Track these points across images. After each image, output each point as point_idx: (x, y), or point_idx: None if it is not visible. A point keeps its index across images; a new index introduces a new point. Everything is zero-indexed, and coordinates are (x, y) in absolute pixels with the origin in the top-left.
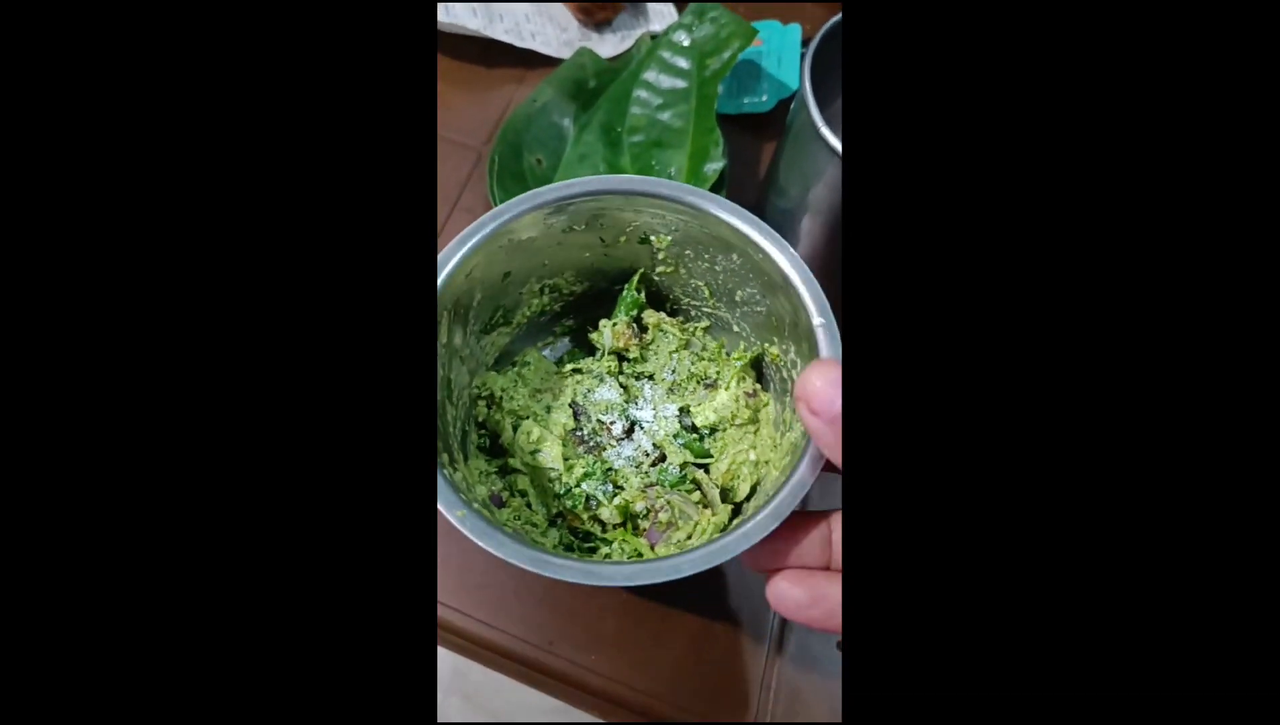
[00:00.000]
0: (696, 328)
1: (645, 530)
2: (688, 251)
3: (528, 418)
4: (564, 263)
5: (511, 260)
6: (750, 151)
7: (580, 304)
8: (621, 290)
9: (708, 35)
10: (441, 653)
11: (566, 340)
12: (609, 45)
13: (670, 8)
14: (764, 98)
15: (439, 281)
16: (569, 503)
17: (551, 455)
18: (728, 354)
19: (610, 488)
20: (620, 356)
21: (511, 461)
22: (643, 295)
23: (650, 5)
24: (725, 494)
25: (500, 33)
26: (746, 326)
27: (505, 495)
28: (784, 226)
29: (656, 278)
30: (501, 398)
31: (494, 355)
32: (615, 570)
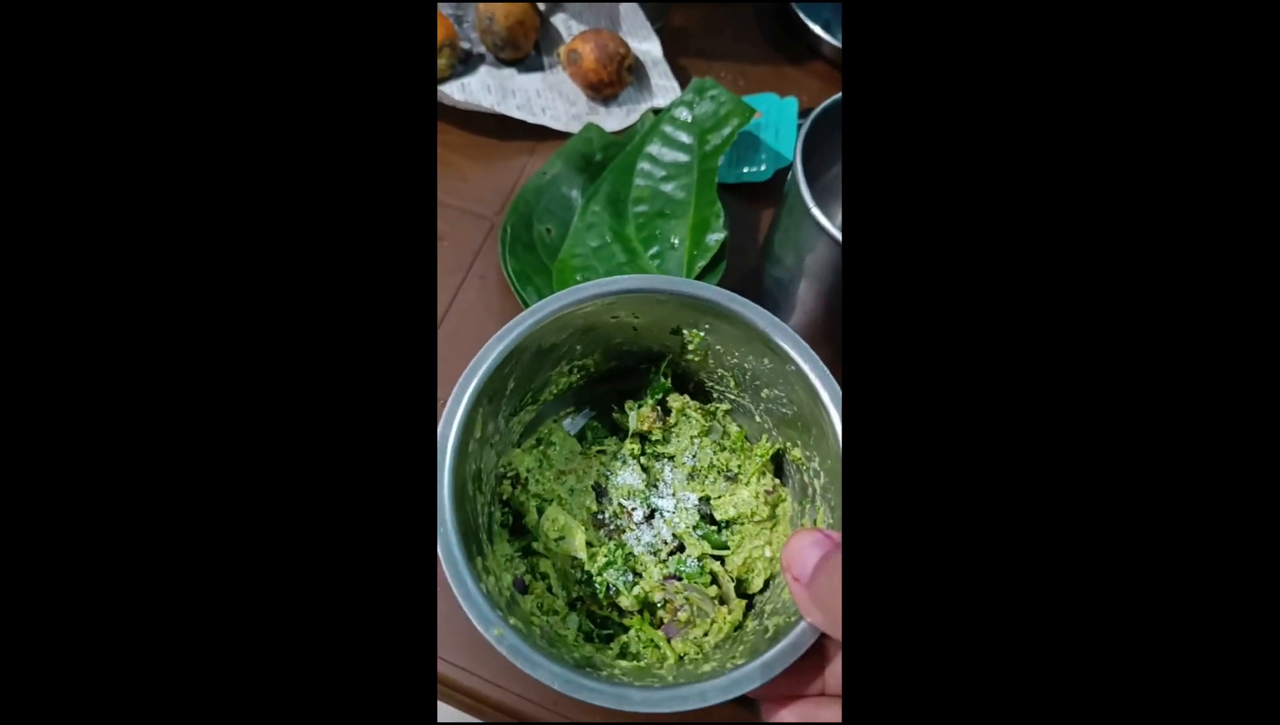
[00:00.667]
0: (719, 408)
1: (663, 623)
2: (718, 346)
3: (552, 501)
4: (595, 345)
5: (540, 346)
6: (750, 219)
7: (603, 377)
8: (647, 369)
9: (708, 112)
10: (443, 709)
11: (586, 410)
12: (614, 119)
13: (674, 84)
14: (762, 167)
15: (480, 376)
16: (590, 591)
17: (576, 543)
18: (749, 442)
19: (630, 576)
20: (642, 437)
21: (535, 545)
22: (669, 380)
23: (655, 82)
24: (739, 585)
25: (512, 109)
26: (769, 421)
27: (528, 579)
28: (779, 294)
29: (683, 363)
30: (527, 479)
31: (519, 432)
32: (645, 696)
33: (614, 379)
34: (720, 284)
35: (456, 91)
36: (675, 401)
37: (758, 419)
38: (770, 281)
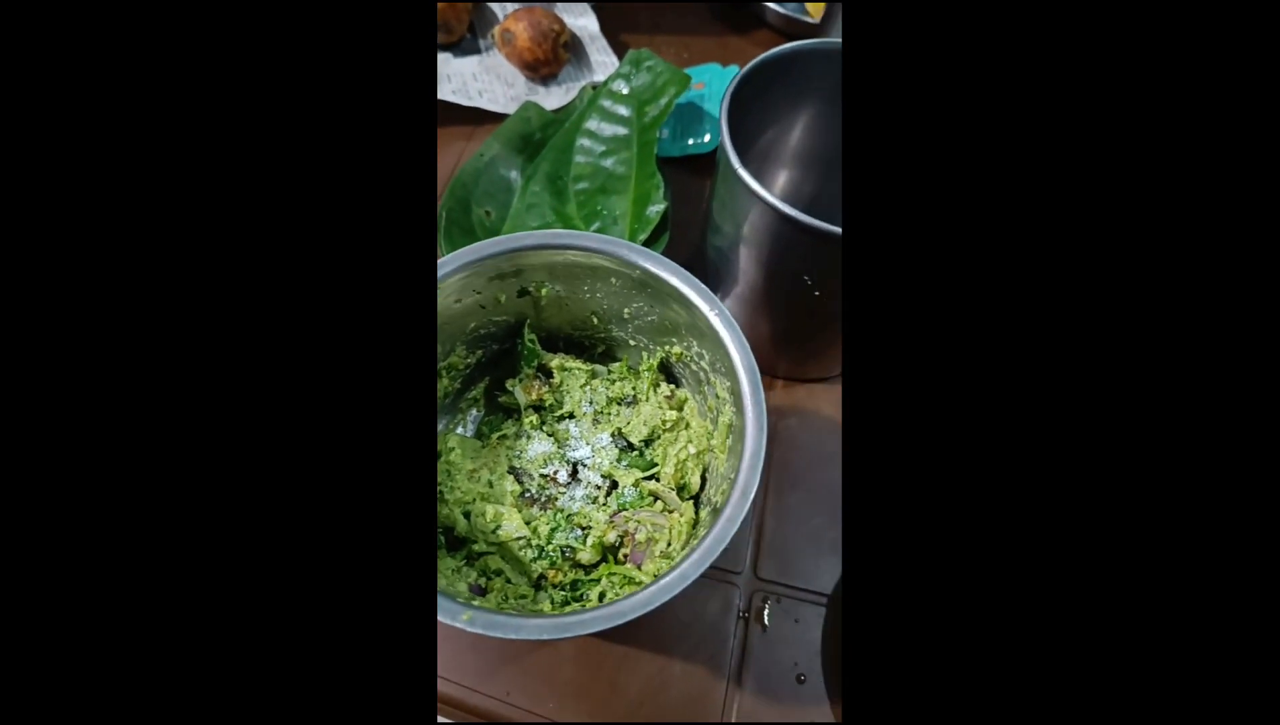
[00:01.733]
0: (594, 349)
1: (628, 555)
2: (565, 292)
3: (474, 500)
4: (450, 339)
5: None
6: (695, 191)
7: (477, 374)
8: (514, 346)
9: (645, 84)
10: None
11: (474, 412)
12: (554, 98)
13: (613, 59)
14: (706, 138)
15: None
16: (547, 562)
17: (514, 526)
18: (634, 368)
19: (579, 532)
20: (537, 408)
21: (476, 547)
22: (536, 344)
23: (594, 58)
24: (681, 491)
25: (448, 93)
26: (643, 337)
27: (483, 582)
28: (721, 264)
29: (543, 324)
30: (441, 492)
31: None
32: (633, 602)
33: (487, 369)
34: (666, 255)
35: None
36: (552, 361)
37: (632, 342)
38: (712, 251)
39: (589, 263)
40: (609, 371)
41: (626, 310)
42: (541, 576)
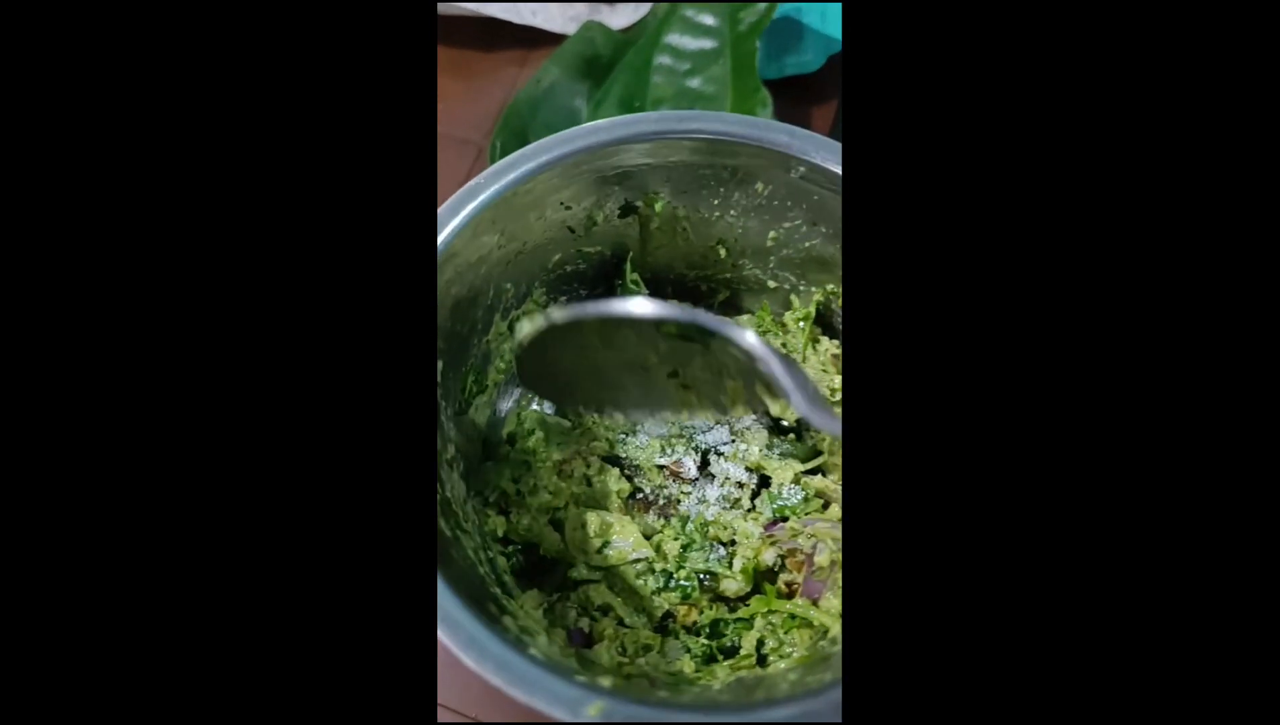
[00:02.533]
0: (716, 298)
1: (798, 586)
2: (685, 209)
3: (566, 505)
4: (528, 275)
5: (458, 296)
6: (800, 120)
7: None
8: (608, 286)
9: None
10: None
11: None
12: (621, 16)
13: None
14: (809, 56)
15: None
16: (677, 595)
17: (629, 542)
18: (778, 318)
19: (721, 550)
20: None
21: (573, 573)
22: (640, 285)
23: None
24: None
25: (496, 10)
26: (789, 275)
27: (586, 623)
28: None
29: (647, 260)
30: (519, 494)
31: (480, 439)
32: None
33: None
34: None
35: None
36: None
37: (773, 284)
38: None
39: (727, 160)
40: (750, 317)
41: (772, 233)
42: (669, 615)
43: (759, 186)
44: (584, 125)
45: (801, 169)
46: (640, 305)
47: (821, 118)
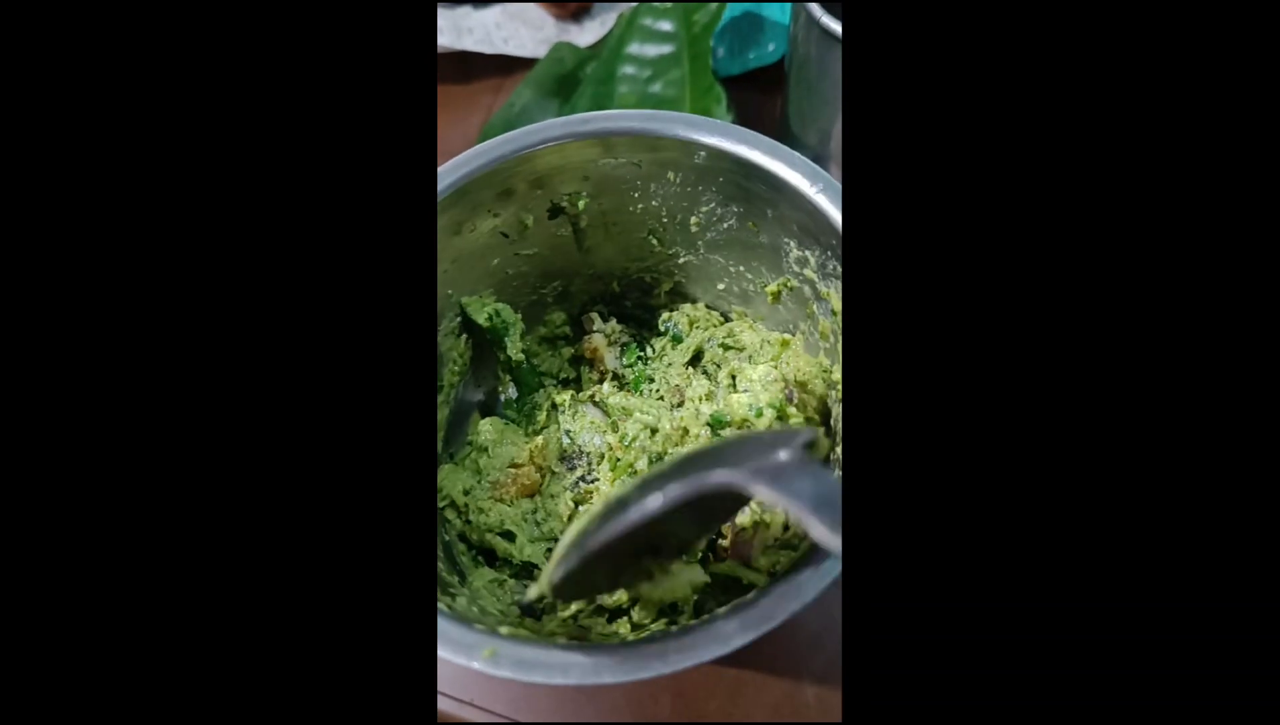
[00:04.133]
0: (659, 295)
1: (729, 549)
2: (606, 202)
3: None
4: (468, 281)
5: None
6: (764, 111)
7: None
8: (564, 293)
9: None
10: None
11: (511, 386)
12: (590, 34)
13: None
14: (770, 48)
15: None
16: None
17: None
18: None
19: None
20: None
21: (520, 559)
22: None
23: None
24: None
25: (470, 44)
26: (719, 258)
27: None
28: None
29: (590, 262)
30: (466, 506)
31: (439, 437)
32: (740, 621)
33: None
34: None
35: None
36: (590, 336)
37: (711, 268)
38: None
39: (632, 152)
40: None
41: (694, 219)
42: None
43: (670, 175)
44: (495, 138)
45: (702, 153)
46: (652, 503)
47: (773, 103)
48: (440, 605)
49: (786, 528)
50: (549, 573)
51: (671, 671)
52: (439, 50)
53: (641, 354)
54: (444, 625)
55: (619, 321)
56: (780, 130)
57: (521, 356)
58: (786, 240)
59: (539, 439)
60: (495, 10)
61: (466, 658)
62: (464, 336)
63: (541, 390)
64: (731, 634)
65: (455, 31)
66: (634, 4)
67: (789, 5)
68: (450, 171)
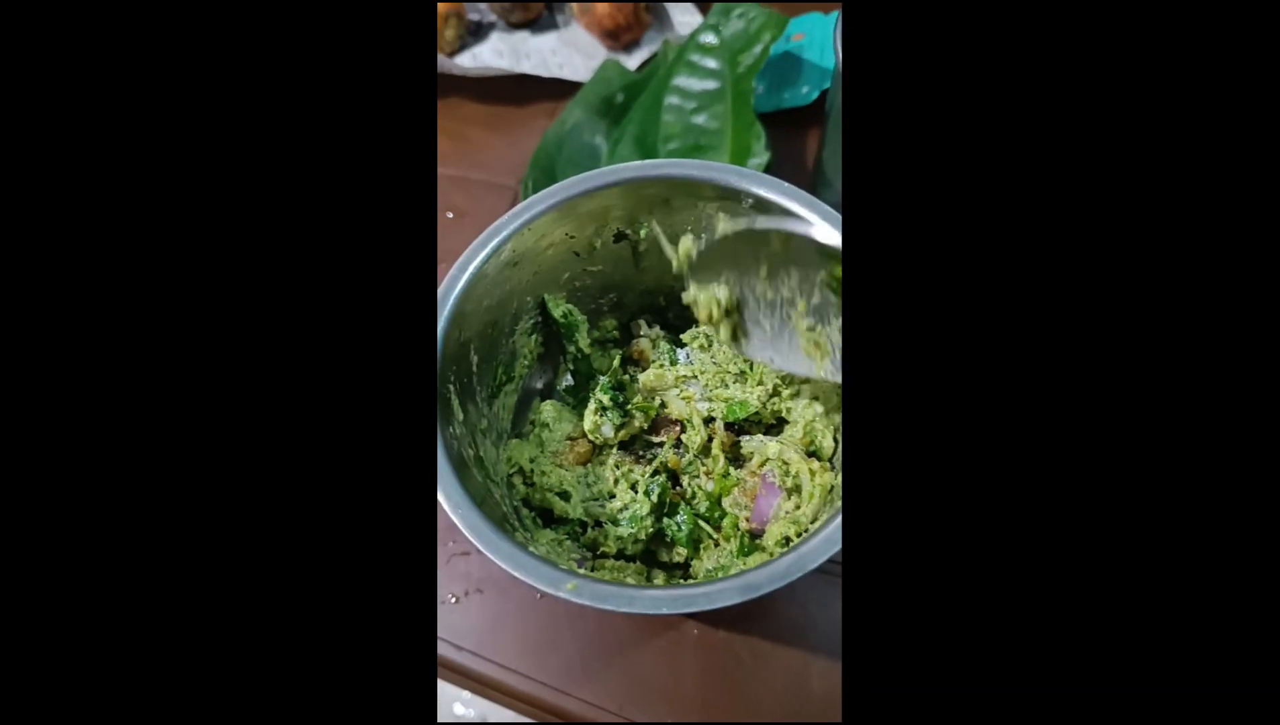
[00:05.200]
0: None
1: (751, 507)
2: (666, 231)
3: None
4: (543, 290)
5: (488, 306)
6: (795, 150)
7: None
8: (611, 302)
9: (737, 31)
10: (509, 716)
11: (569, 376)
12: (635, 60)
13: (697, 18)
14: (805, 89)
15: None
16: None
17: (620, 500)
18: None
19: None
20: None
21: (575, 518)
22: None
23: (677, 19)
24: (812, 459)
25: (528, 68)
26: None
27: (590, 562)
28: None
29: (643, 278)
30: (532, 471)
31: (508, 418)
32: (763, 574)
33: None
34: None
35: (467, 61)
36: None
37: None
38: None
39: (691, 194)
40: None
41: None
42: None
43: (721, 215)
44: (576, 176)
45: (750, 201)
46: (753, 221)
47: (812, 146)
48: (530, 549)
49: (798, 508)
50: (688, 251)
51: (713, 608)
52: (500, 72)
53: (674, 356)
54: (534, 563)
55: (662, 328)
56: (815, 169)
57: (588, 349)
58: (815, 274)
59: (590, 419)
60: (552, 37)
61: (555, 589)
62: (535, 335)
63: (593, 380)
64: (762, 582)
65: (514, 56)
66: (682, 36)
67: (829, 49)
68: (540, 201)
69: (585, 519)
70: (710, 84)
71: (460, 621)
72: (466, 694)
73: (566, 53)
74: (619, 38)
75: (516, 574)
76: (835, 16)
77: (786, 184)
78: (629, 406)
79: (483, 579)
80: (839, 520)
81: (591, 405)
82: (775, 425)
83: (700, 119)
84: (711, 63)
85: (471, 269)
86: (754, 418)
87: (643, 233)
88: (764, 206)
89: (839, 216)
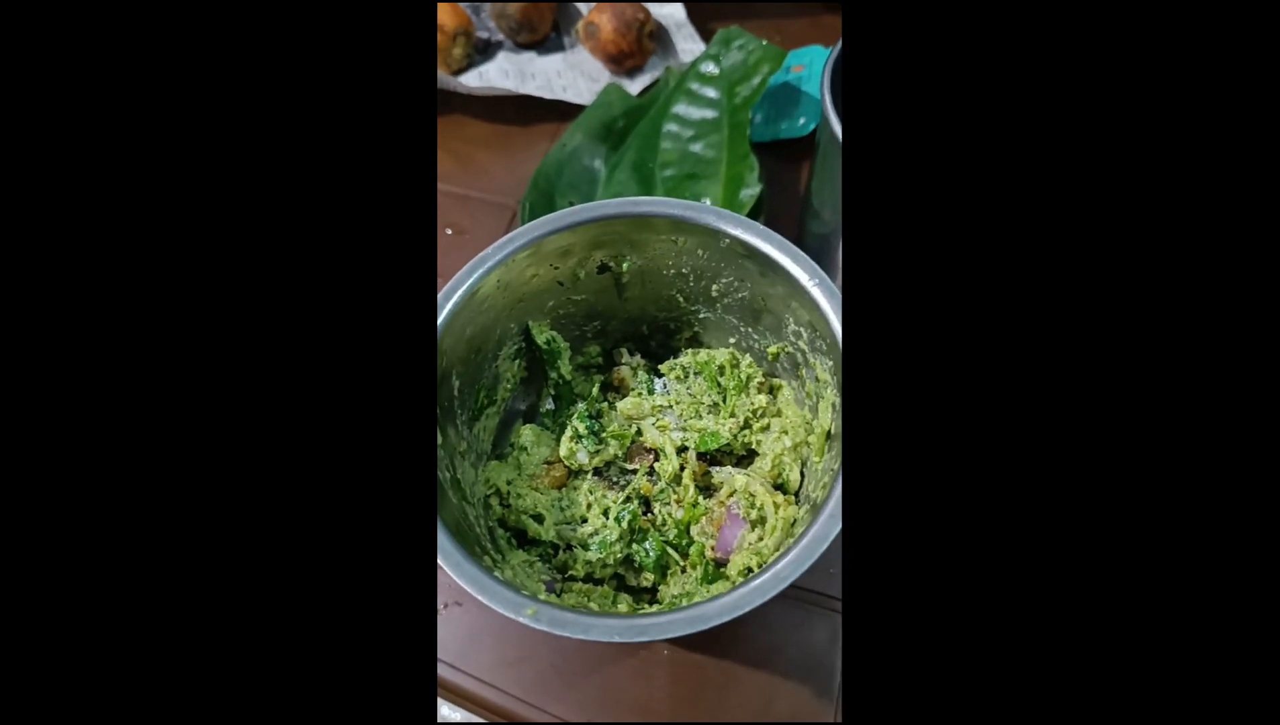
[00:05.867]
0: (679, 340)
1: (713, 544)
2: (645, 264)
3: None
4: (527, 316)
5: (472, 333)
6: (789, 177)
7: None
8: (602, 328)
9: (736, 63)
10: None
11: (550, 400)
12: (638, 85)
13: (700, 47)
14: (801, 121)
15: None
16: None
17: (592, 525)
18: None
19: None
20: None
21: (547, 540)
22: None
23: (680, 46)
24: (779, 492)
25: (533, 89)
26: (732, 318)
27: (559, 583)
28: (821, 251)
29: (625, 307)
30: (508, 493)
31: (489, 440)
32: (718, 605)
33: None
34: None
35: (474, 80)
36: (619, 368)
37: (727, 324)
38: (811, 240)
39: (672, 232)
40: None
41: (715, 286)
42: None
43: (700, 251)
44: (565, 210)
45: (726, 241)
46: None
47: (805, 172)
48: (496, 573)
49: (760, 539)
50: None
51: (664, 637)
52: (504, 92)
53: (651, 386)
54: (497, 587)
55: (643, 357)
56: (804, 200)
57: (569, 376)
58: (787, 315)
59: (566, 445)
60: (557, 59)
61: (515, 613)
62: (518, 360)
63: (574, 405)
64: (712, 615)
65: (520, 76)
66: (685, 64)
67: None
68: (526, 233)
69: (557, 542)
70: (708, 113)
71: (438, 633)
72: (445, 707)
73: (571, 75)
74: (623, 63)
75: (480, 598)
76: (834, 51)
77: (763, 228)
78: (605, 434)
79: (461, 592)
80: (790, 556)
81: (568, 432)
82: (746, 457)
83: (697, 147)
84: (710, 92)
85: (455, 299)
86: (725, 449)
87: (625, 266)
88: (742, 247)
89: (812, 263)
